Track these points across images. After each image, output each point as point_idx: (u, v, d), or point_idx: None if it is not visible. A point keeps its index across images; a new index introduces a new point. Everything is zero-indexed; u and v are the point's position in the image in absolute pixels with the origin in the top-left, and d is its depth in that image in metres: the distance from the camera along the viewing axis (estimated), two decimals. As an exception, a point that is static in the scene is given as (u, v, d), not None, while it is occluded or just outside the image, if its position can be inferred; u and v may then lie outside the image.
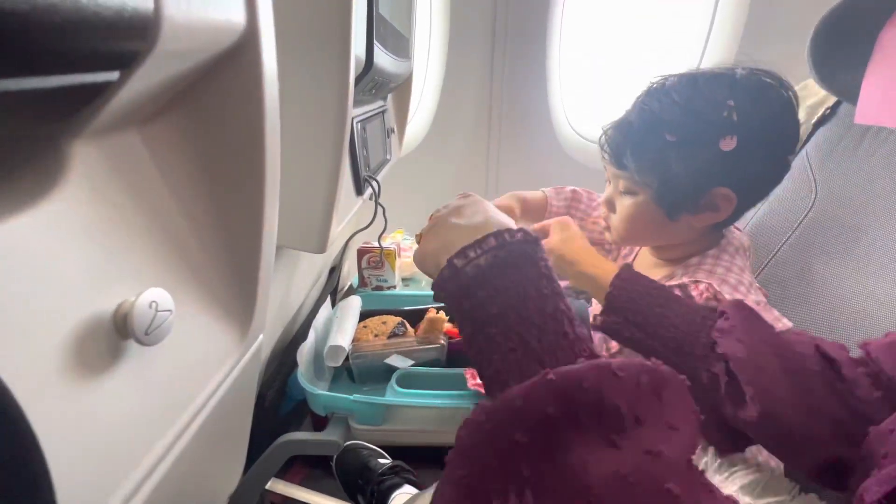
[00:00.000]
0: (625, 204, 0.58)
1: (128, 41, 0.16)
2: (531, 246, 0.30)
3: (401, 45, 0.81)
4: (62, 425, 0.19)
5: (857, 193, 0.82)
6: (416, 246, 1.15)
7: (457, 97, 1.37)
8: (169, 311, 0.23)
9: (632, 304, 0.46)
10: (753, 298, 0.54)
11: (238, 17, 0.24)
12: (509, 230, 0.30)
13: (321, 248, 0.56)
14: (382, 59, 0.63)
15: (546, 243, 0.55)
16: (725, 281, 0.55)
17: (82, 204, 0.20)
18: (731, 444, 0.42)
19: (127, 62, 0.17)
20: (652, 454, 0.20)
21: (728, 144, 0.51)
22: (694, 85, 0.54)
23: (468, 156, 1.44)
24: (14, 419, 0.16)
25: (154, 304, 0.22)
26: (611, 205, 0.61)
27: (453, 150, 1.43)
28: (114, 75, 0.17)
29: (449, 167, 1.44)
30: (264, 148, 0.28)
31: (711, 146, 0.51)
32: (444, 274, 0.29)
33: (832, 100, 0.98)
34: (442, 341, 0.69)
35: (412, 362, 0.68)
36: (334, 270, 1.09)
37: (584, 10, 1.34)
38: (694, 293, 0.53)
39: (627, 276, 0.48)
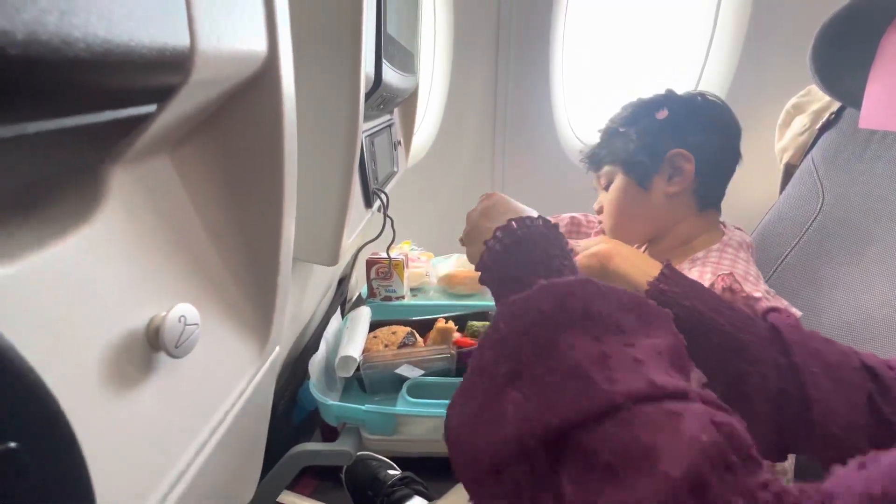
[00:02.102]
0: (609, 198, 0.69)
1: (167, 76, 0.18)
2: (550, 229, 0.36)
3: (407, 62, 0.83)
4: (101, 434, 0.20)
5: (864, 198, 0.82)
6: (423, 256, 1.15)
7: (461, 108, 1.39)
8: (196, 324, 0.24)
9: (687, 289, 0.45)
10: (763, 288, 0.56)
11: (261, 45, 0.26)
12: (530, 217, 0.36)
13: (333, 261, 0.57)
14: (390, 75, 0.65)
15: (599, 252, 0.58)
16: (733, 273, 0.57)
17: (119, 226, 0.21)
18: (775, 453, 0.40)
19: (165, 95, 0.18)
20: (630, 345, 0.24)
21: (662, 114, 0.66)
22: (647, 98, 0.70)
23: (473, 166, 1.45)
24: (60, 428, 0.17)
25: (183, 319, 0.23)
26: (601, 207, 0.72)
27: (459, 161, 1.45)
28: (152, 108, 0.18)
29: (455, 178, 1.45)
30: (283, 167, 0.29)
31: (650, 119, 0.66)
32: (483, 256, 0.36)
33: (836, 105, 0.99)
34: (452, 351, 0.70)
35: (422, 372, 0.69)
36: (343, 281, 1.10)
37: (586, 21, 1.37)
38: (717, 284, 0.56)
39: (671, 271, 0.48)
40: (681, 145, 0.65)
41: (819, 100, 1.11)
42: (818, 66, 0.92)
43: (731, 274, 0.56)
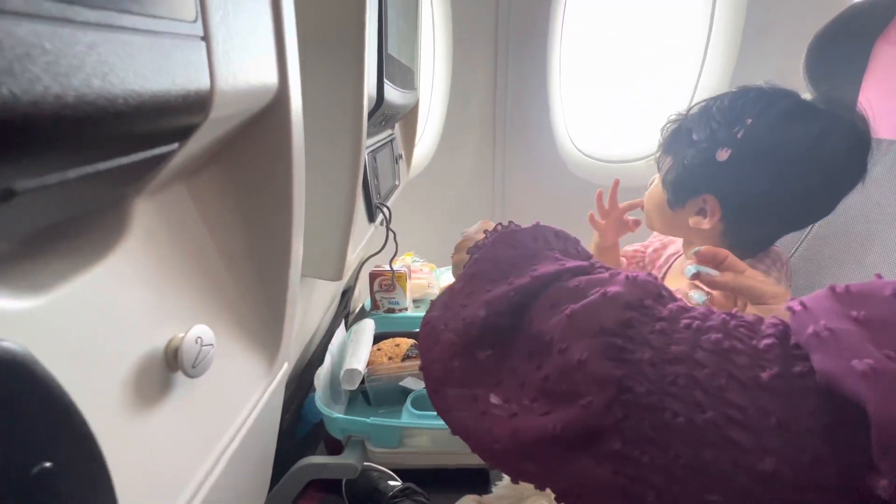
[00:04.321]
0: (655, 184, 0.66)
1: (189, 117, 0.19)
2: (532, 228, 0.38)
3: (407, 78, 0.85)
4: (124, 452, 0.21)
5: (863, 203, 0.83)
6: (425, 268, 1.16)
7: (461, 121, 1.42)
8: (212, 345, 0.25)
9: None
10: None
11: (272, 78, 0.27)
12: (511, 222, 0.39)
13: (338, 276, 0.58)
14: (392, 94, 0.67)
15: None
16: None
17: (140, 254, 0.22)
18: None
19: (187, 134, 0.20)
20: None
21: (722, 155, 0.55)
22: (737, 98, 0.58)
23: (474, 177, 1.47)
24: (89, 448, 0.18)
25: (199, 340, 0.25)
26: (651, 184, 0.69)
27: (459, 172, 1.46)
28: (174, 146, 0.20)
29: (455, 189, 1.47)
30: (292, 191, 0.30)
31: (711, 153, 0.56)
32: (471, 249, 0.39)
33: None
34: (455, 363, 0.70)
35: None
36: (347, 294, 1.11)
37: (583, 32, 1.39)
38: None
39: None
40: (719, 192, 0.57)
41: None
42: (812, 75, 0.94)
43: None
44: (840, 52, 0.94)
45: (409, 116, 1.08)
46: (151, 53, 0.15)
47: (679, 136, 0.62)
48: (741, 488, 0.22)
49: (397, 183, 0.96)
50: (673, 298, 0.29)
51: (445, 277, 1.10)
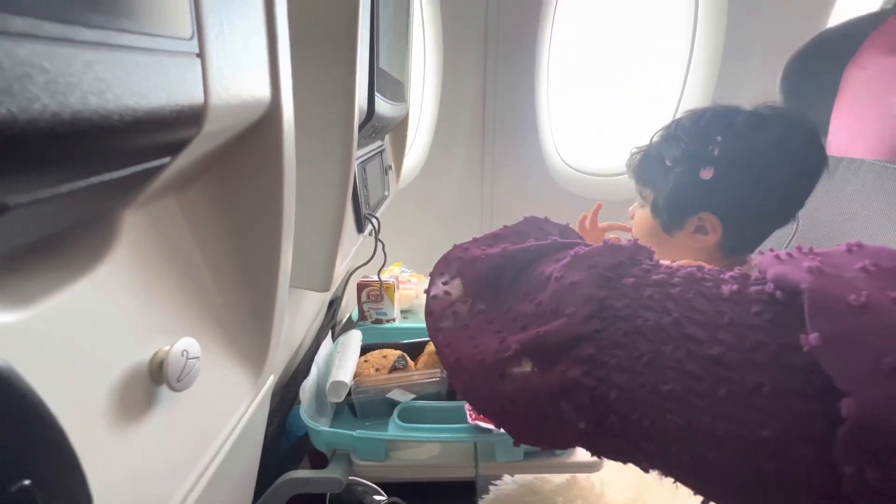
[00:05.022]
0: (638, 214, 0.68)
1: (181, 132, 0.19)
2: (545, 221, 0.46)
3: (398, 91, 0.86)
4: (106, 468, 0.20)
5: (836, 220, 0.86)
6: (413, 278, 1.15)
7: (450, 133, 1.43)
8: (197, 357, 0.25)
9: None
10: None
11: (265, 91, 0.27)
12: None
13: (326, 287, 0.58)
14: (382, 106, 0.68)
15: None
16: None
17: (127, 266, 0.22)
18: None
19: (178, 148, 0.20)
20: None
21: (706, 174, 0.58)
22: (698, 120, 0.61)
23: (462, 189, 1.48)
24: (70, 464, 0.18)
25: (185, 353, 0.24)
26: (632, 215, 0.71)
27: (448, 183, 1.47)
28: (166, 160, 0.20)
29: (444, 201, 1.48)
30: (283, 204, 0.30)
31: (693, 174, 0.59)
32: None
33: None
34: (442, 374, 0.70)
35: (413, 396, 0.69)
36: (334, 304, 1.10)
37: (571, 46, 1.43)
38: None
39: None
40: (715, 209, 0.59)
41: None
42: (787, 95, 0.98)
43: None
44: (813, 74, 0.98)
45: (399, 128, 1.09)
46: (147, 70, 0.15)
47: (651, 165, 0.65)
48: (691, 373, 0.26)
49: (387, 194, 0.97)
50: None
51: (433, 288, 1.10)
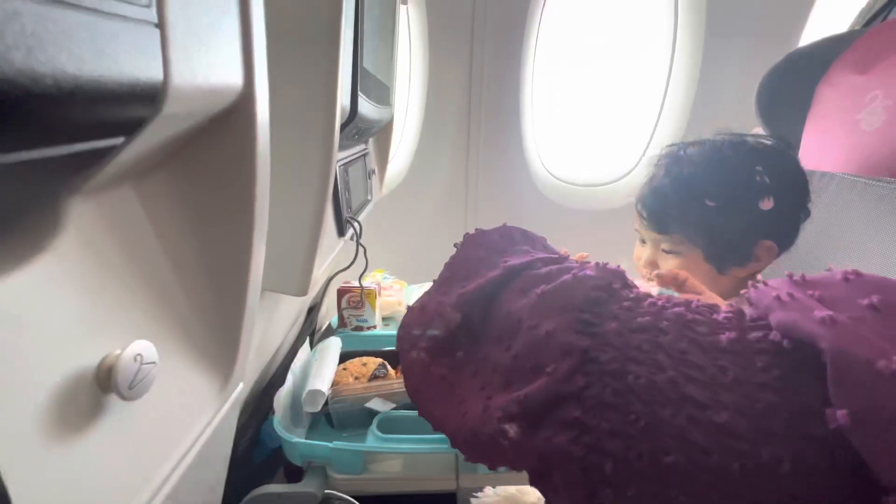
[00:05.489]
0: (670, 264, 0.63)
1: (136, 110, 0.17)
2: (500, 228, 0.41)
3: (382, 94, 0.85)
4: (39, 489, 0.18)
5: (810, 230, 0.88)
6: (396, 285, 1.13)
7: (435, 139, 1.43)
8: (153, 363, 0.23)
9: None
10: None
11: (236, 78, 0.26)
12: (477, 229, 0.40)
13: (303, 291, 0.56)
14: (366, 107, 0.66)
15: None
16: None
17: (75, 258, 0.20)
18: None
19: (133, 128, 0.18)
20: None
21: (767, 204, 0.57)
22: (719, 153, 0.60)
23: (447, 196, 1.47)
24: (-10, 486, 0.16)
25: (139, 357, 0.22)
26: (654, 265, 0.65)
27: (432, 190, 1.47)
28: (118, 140, 0.18)
29: (428, 208, 1.47)
30: (254, 200, 0.28)
31: (752, 207, 0.57)
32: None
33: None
34: (424, 383, 0.68)
35: (394, 405, 0.67)
36: (313, 311, 1.07)
37: (555, 59, 1.45)
38: None
39: None
40: (772, 235, 0.60)
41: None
42: (762, 112, 1.01)
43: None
44: (786, 92, 1.02)
45: (383, 133, 1.07)
46: (91, 33, 0.14)
47: (683, 210, 0.61)
48: (696, 443, 0.22)
49: (369, 198, 0.95)
50: (636, 288, 0.31)
51: (416, 294, 1.08)
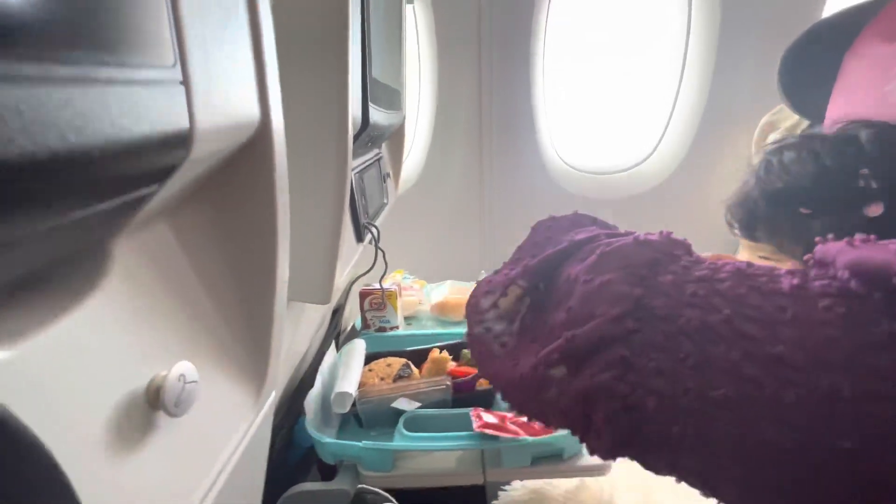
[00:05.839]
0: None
1: (168, 159, 0.19)
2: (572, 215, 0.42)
3: (393, 99, 0.86)
4: (105, 498, 0.20)
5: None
6: (416, 284, 1.15)
7: (448, 137, 1.43)
8: (195, 381, 0.25)
9: None
10: None
11: (254, 112, 0.27)
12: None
13: (326, 299, 0.58)
14: (377, 116, 0.68)
15: None
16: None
17: (120, 294, 0.22)
18: None
19: (165, 175, 0.20)
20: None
21: (875, 211, 0.50)
22: (817, 159, 0.54)
23: (462, 192, 1.48)
24: (65, 496, 0.18)
25: (182, 377, 0.24)
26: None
27: (447, 188, 1.47)
28: (154, 187, 0.20)
29: (444, 205, 1.48)
30: (276, 221, 0.30)
31: (857, 215, 0.50)
32: None
33: (806, 122, 1.04)
34: (447, 382, 0.70)
35: (419, 404, 0.69)
36: (337, 313, 1.10)
37: (564, 48, 1.43)
38: None
39: None
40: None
41: (790, 117, 1.16)
42: (785, 88, 0.97)
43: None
44: (810, 64, 0.98)
45: (395, 136, 1.09)
46: (129, 102, 0.15)
47: (778, 213, 0.55)
48: (749, 377, 0.22)
49: (385, 202, 0.96)
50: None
51: (436, 293, 1.10)
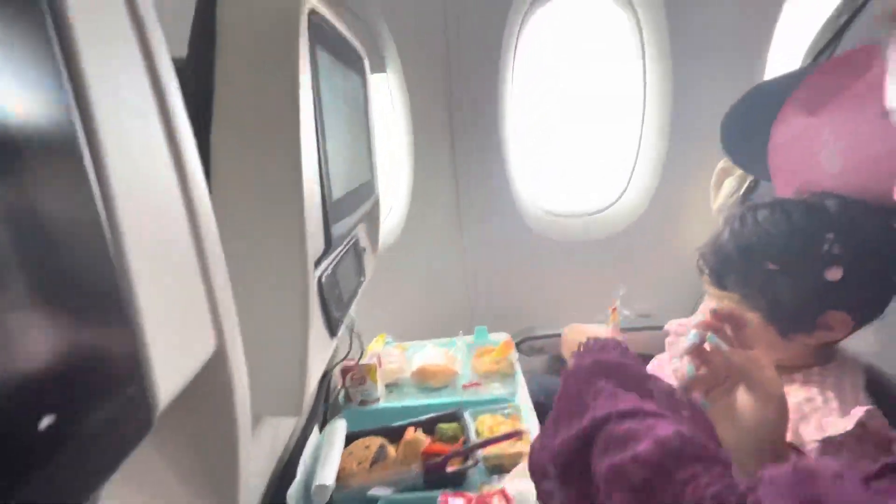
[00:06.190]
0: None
1: (138, 435, 0.26)
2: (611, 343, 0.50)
3: (362, 195, 0.92)
4: None
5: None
6: (397, 350, 1.20)
7: (425, 194, 1.49)
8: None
9: None
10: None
11: (209, 342, 0.34)
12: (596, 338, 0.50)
13: (297, 411, 0.63)
14: (342, 228, 0.74)
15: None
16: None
17: None
18: None
19: (136, 441, 0.26)
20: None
21: (834, 274, 0.55)
22: (788, 219, 0.59)
23: (442, 249, 1.52)
24: None
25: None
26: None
27: (427, 245, 1.52)
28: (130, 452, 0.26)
29: (424, 262, 1.52)
30: (236, 422, 0.36)
31: (817, 277, 0.55)
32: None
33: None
34: (416, 468, 0.75)
35: (392, 490, 0.74)
36: (326, 376, 1.14)
37: (532, 102, 1.52)
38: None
39: None
40: (844, 307, 0.56)
41: (740, 167, 1.23)
42: (727, 143, 1.06)
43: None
44: (747, 128, 1.06)
45: (371, 212, 1.14)
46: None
47: (745, 271, 0.61)
48: None
49: (362, 279, 1.02)
50: (695, 455, 0.37)
51: (418, 357, 1.15)
